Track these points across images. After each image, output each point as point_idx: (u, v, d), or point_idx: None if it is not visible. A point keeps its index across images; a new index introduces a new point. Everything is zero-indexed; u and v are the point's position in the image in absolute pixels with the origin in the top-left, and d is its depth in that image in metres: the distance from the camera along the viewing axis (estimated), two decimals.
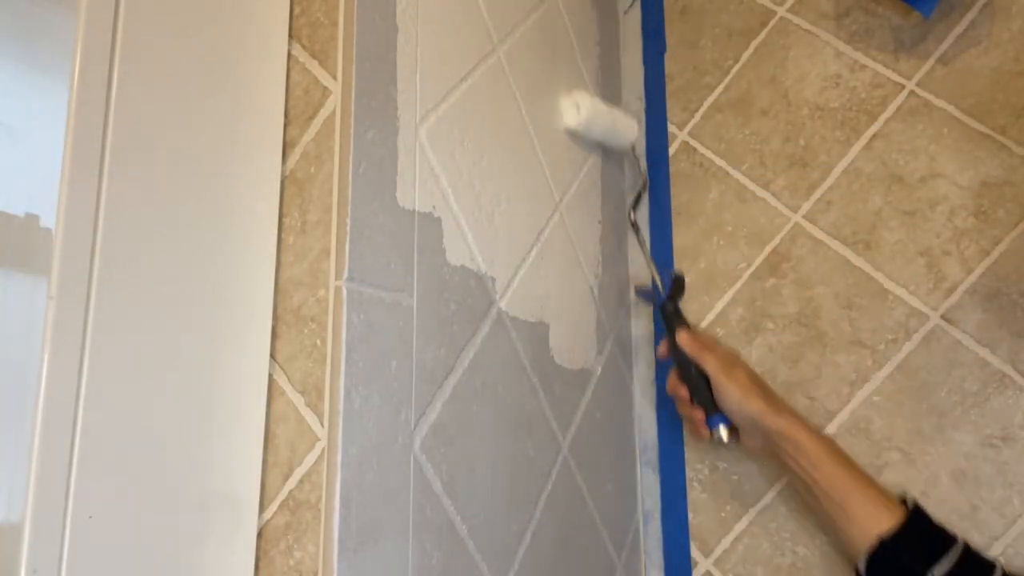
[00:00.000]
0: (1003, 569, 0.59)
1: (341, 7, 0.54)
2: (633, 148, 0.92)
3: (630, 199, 0.91)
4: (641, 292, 0.87)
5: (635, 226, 0.88)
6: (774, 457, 0.71)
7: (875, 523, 0.62)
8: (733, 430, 0.72)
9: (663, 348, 0.79)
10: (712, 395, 0.73)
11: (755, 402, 0.69)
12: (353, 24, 0.53)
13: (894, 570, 0.60)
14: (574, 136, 0.82)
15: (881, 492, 0.64)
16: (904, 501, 0.64)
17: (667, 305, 0.79)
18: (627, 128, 0.87)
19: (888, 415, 0.77)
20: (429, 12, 0.61)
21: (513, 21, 0.74)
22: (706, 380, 0.73)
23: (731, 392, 0.70)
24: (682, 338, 0.76)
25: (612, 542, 0.80)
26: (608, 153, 0.93)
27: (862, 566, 0.62)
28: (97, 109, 0.44)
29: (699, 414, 0.74)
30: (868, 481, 0.65)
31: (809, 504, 0.68)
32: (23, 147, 0.45)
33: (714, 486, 0.85)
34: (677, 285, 0.81)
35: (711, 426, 0.73)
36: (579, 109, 0.80)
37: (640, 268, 0.93)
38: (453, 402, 0.58)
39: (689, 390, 0.75)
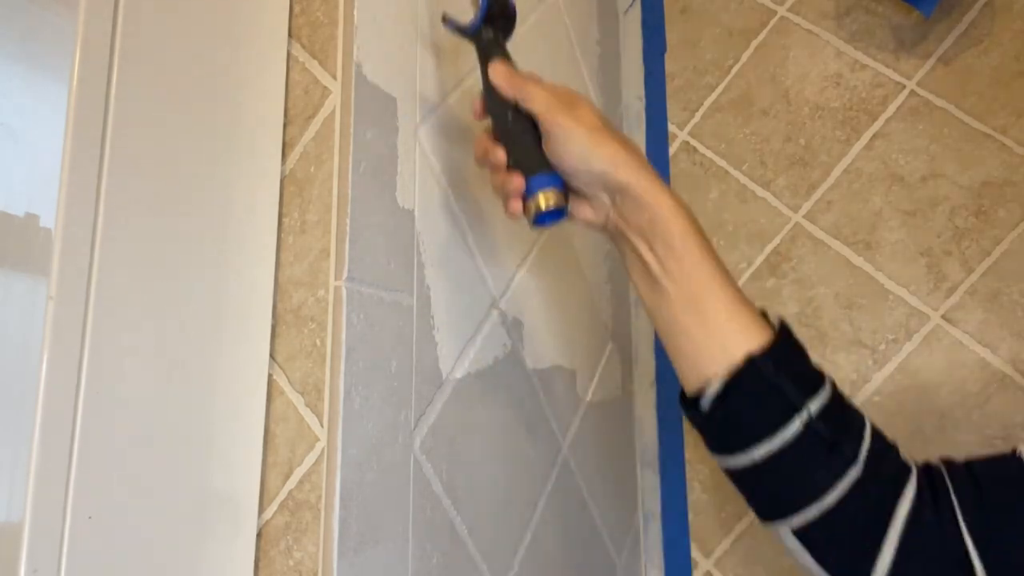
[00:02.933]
0: (869, 419, 0.48)
1: (341, 7, 0.54)
2: None
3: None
4: (451, 23, 0.57)
5: None
6: (616, 233, 0.51)
7: (743, 339, 0.45)
8: (564, 196, 0.50)
9: (478, 103, 0.55)
10: (539, 148, 0.50)
11: (608, 147, 0.48)
12: (353, 24, 0.53)
13: (762, 399, 0.45)
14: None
15: (749, 304, 0.48)
16: (764, 315, 0.49)
17: (482, 32, 0.55)
18: None
19: (889, 415, 0.77)
20: (429, 12, 0.61)
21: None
22: (533, 129, 0.51)
23: (572, 133, 0.48)
24: (496, 71, 0.52)
25: (612, 542, 0.80)
26: None
27: (713, 391, 0.46)
28: (97, 109, 0.44)
29: (518, 182, 0.50)
30: (735, 287, 0.48)
31: (651, 302, 0.49)
32: (23, 147, 0.45)
33: (714, 486, 0.85)
34: (498, 5, 0.55)
35: (531, 191, 0.50)
36: None
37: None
38: (453, 402, 0.58)
39: (507, 148, 0.52)
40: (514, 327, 0.67)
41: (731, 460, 0.47)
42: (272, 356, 0.52)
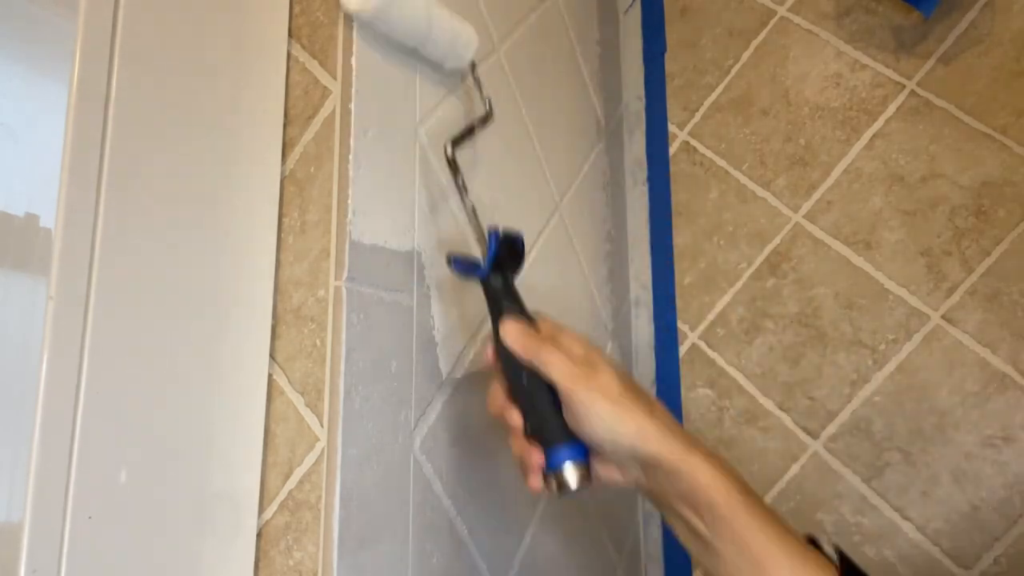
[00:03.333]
0: None
1: (341, 7, 0.54)
2: (472, 68, 0.62)
3: (454, 131, 0.59)
4: (457, 263, 0.53)
5: (452, 164, 0.57)
6: (654, 497, 0.49)
7: None
8: (587, 469, 0.48)
9: (490, 352, 0.52)
10: (560, 417, 0.48)
11: (633, 418, 0.46)
12: (353, 24, 0.53)
13: None
14: (361, 22, 0.53)
15: (803, 546, 0.46)
16: (813, 541, 0.47)
17: (491, 280, 0.52)
18: (456, 33, 0.58)
19: (888, 415, 0.77)
20: None
21: (513, 21, 0.74)
22: (550, 393, 0.48)
23: (596, 408, 0.46)
24: (508, 331, 0.50)
25: (612, 542, 0.80)
26: (612, 150, 0.93)
27: None
28: (97, 109, 0.44)
29: (535, 456, 0.48)
30: (786, 532, 0.46)
31: (706, 564, 0.47)
32: (23, 147, 0.45)
33: None
34: (508, 250, 0.53)
35: (553, 465, 0.47)
36: None
37: (462, 228, 0.63)
38: (453, 402, 0.58)
39: (523, 411, 0.49)
40: None
41: None
42: (272, 356, 0.52)
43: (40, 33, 0.47)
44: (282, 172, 0.55)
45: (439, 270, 0.58)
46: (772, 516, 0.46)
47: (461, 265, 0.53)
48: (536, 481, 0.48)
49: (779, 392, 0.83)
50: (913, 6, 0.78)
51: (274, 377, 0.52)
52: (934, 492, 0.73)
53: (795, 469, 0.81)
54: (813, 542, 0.47)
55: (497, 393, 0.52)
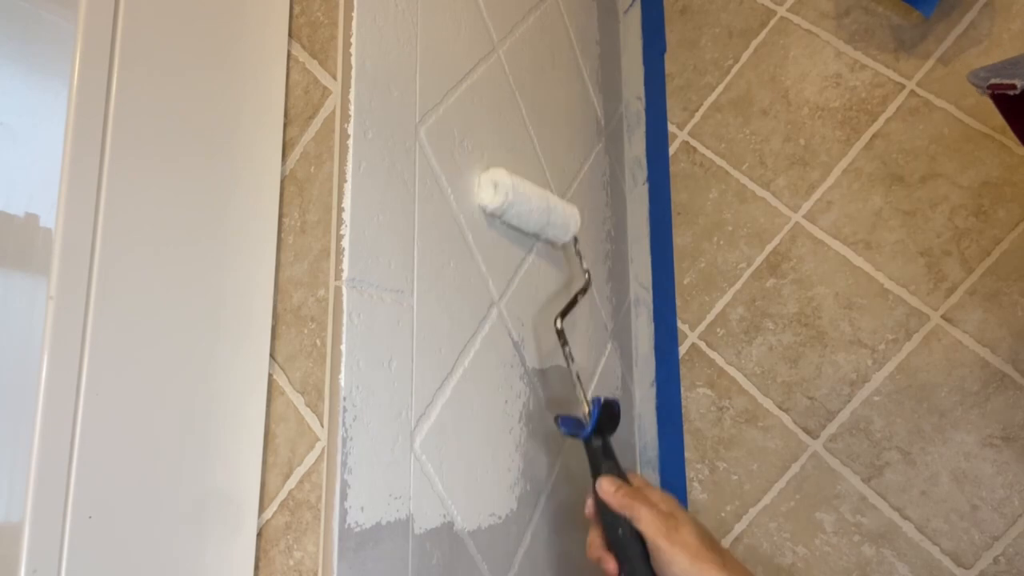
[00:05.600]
0: None
1: (341, 7, 0.54)
2: (575, 242, 0.75)
3: (562, 304, 0.70)
4: (564, 422, 0.62)
5: (561, 335, 0.67)
6: None
7: None
8: None
9: (589, 504, 0.60)
10: (648, 564, 0.55)
11: (709, 570, 0.53)
12: (353, 24, 0.53)
13: None
14: (492, 221, 0.66)
15: None
16: None
17: (592, 440, 0.61)
18: (566, 217, 0.71)
19: (888, 415, 0.77)
20: (429, 11, 0.61)
21: (513, 21, 0.74)
22: (640, 543, 0.55)
23: (677, 559, 0.53)
24: (604, 488, 0.58)
25: None
26: (612, 150, 0.93)
27: None
28: (97, 109, 0.44)
29: None
30: None
31: None
32: (23, 147, 0.45)
33: (714, 486, 0.85)
34: (607, 416, 0.62)
35: None
36: (496, 188, 0.63)
37: (568, 391, 0.73)
38: (453, 402, 0.58)
39: (617, 556, 0.57)
40: (514, 327, 0.67)
41: None
42: (272, 356, 0.52)
43: (40, 33, 0.47)
44: (282, 172, 0.55)
45: (439, 270, 0.58)
46: None
47: (568, 425, 0.63)
48: None
49: (779, 392, 0.83)
50: (913, 6, 0.78)
51: (274, 377, 0.52)
52: (934, 492, 0.73)
53: (795, 469, 0.81)
54: None
55: (595, 541, 0.59)
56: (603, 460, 0.60)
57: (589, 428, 0.61)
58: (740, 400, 0.85)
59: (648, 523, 0.55)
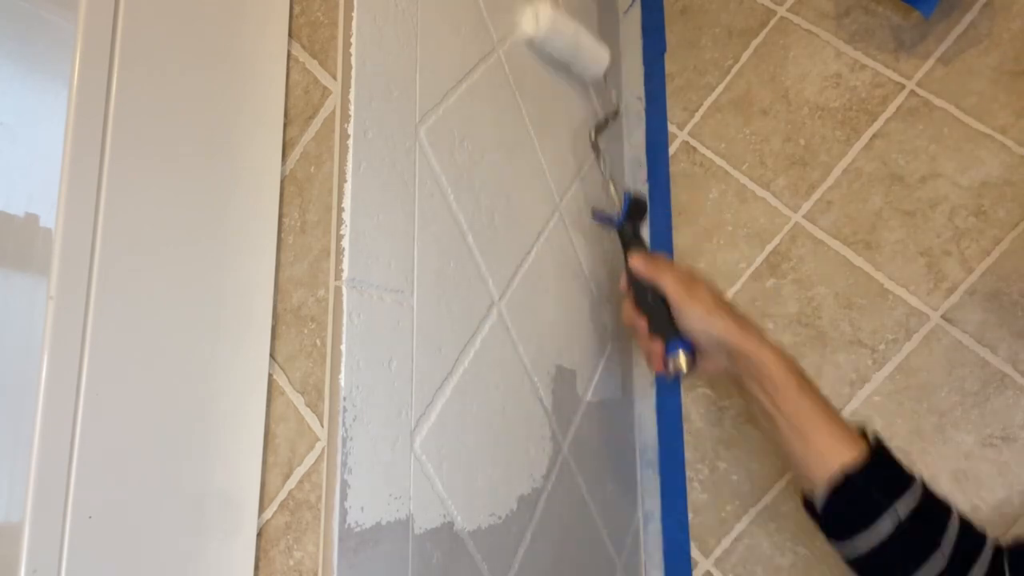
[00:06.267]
0: (957, 512, 0.58)
1: (341, 7, 0.54)
2: (605, 78, 0.87)
3: (593, 122, 0.85)
4: (599, 215, 0.77)
5: (596, 147, 0.81)
6: (734, 379, 0.66)
7: (837, 454, 0.58)
8: (693, 357, 0.66)
9: (623, 279, 0.72)
10: (672, 319, 0.66)
11: (720, 319, 0.64)
12: (353, 24, 0.53)
13: (857, 503, 0.57)
14: (532, 47, 0.75)
15: (844, 424, 0.61)
16: (864, 433, 0.61)
17: (624, 227, 0.73)
18: (596, 53, 0.82)
19: (888, 415, 0.77)
20: (429, 11, 0.61)
21: (513, 21, 0.74)
22: (665, 304, 0.67)
23: (694, 310, 0.64)
24: (635, 260, 0.70)
25: (612, 542, 0.80)
26: (612, 149, 0.93)
27: (821, 497, 0.58)
28: (97, 109, 0.44)
29: (658, 347, 0.67)
30: (832, 412, 0.61)
31: (767, 431, 0.64)
32: (23, 147, 0.45)
33: (714, 486, 0.85)
34: (636, 207, 0.74)
35: (669, 352, 0.66)
36: (538, 18, 0.73)
37: (601, 191, 0.85)
38: (453, 402, 0.58)
39: (647, 318, 0.68)
40: (514, 327, 0.67)
41: (841, 548, 0.59)
42: (272, 356, 0.52)
43: (40, 33, 0.47)
44: (282, 172, 0.55)
45: (439, 270, 0.58)
46: (821, 399, 0.61)
47: (601, 217, 0.77)
48: (659, 366, 0.68)
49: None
50: (913, 6, 0.78)
51: (274, 377, 0.52)
52: None
53: None
54: (863, 432, 0.61)
55: (628, 308, 0.71)
56: (633, 243, 0.72)
57: (621, 217, 0.73)
58: (740, 400, 0.85)
59: (671, 285, 0.66)
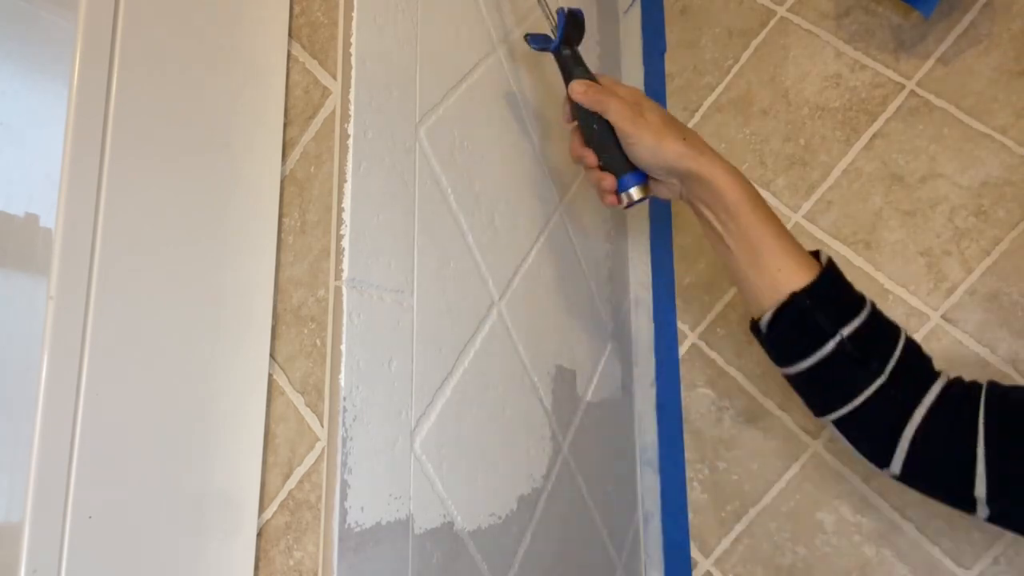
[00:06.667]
0: (907, 335, 0.57)
1: (341, 7, 0.54)
2: None
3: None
4: (533, 39, 0.66)
5: None
6: (689, 204, 0.63)
7: (786, 277, 0.57)
8: (646, 186, 0.62)
9: (566, 108, 0.65)
10: (621, 150, 0.61)
11: (671, 144, 0.59)
12: (353, 24, 0.53)
13: (801, 326, 0.57)
14: None
15: (797, 247, 0.59)
16: (818, 256, 0.59)
17: (562, 50, 0.65)
18: None
19: None
20: (429, 11, 0.61)
21: (513, 21, 0.74)
22: (613, 134, 0.61)
23: (643, 139, 0.59)
24: (575, 89, 0.62)
25: (612, 542, 0.80)
26: None
27: (765, 321, 0.58)
28: (97, 109, 0.44)
29: (609, 181, 0.62)
30: (786, 235, 0.59)
31: (721, 255, 0.62)
32: (23, 147, 0.45)
33: (714, 486, 0.85)
34: (573, 25, 0.65)
35: (621, 189, 0.62)
36: None
37: (532, 7, 0.73)
38: (453, 402, 0.58)
39: (595, 150, 0.63)
40: (514, 327, 0.67)
41: (786, 370, 0.60)
42: (272, 356, 0.52)
43: (40, 33, 0.47)
44: (282, 172, 0.55)
45: (439, 270, 0.58)
46: (773, 218, 0.59)
47: (536, 41, 0.66)
48: (612, 200, 0.63)
49: (779, 392, 0.83)
50: (913, 6, 0.78)
51: (274, 377, 0.52)
52: None
53: (795, 469, 0.81)
54: (816, 254, 0.60)
55: (575, 142, 0.65)
56: (574, 67, 0.64)
57: (557, 40, 0.64)
58: (740, 400, 0.85)
59: (616, 112, 0.60)
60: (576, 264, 0.80)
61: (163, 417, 0.46)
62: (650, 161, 0.60)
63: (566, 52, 0.65)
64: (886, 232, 0.80)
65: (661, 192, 0.64)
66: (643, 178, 0.62)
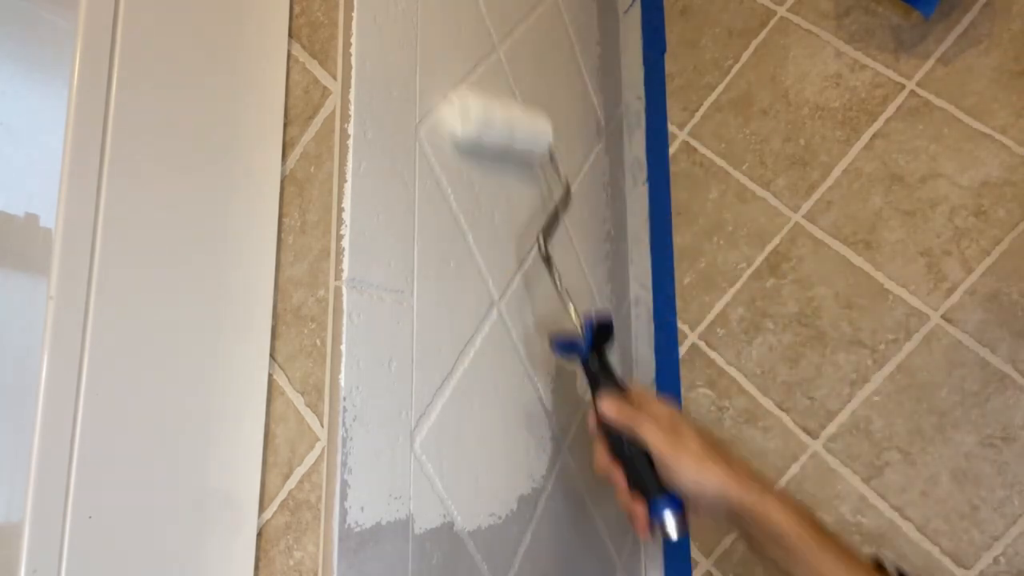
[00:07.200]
0: None
1: (341, 7, 0.54)
2: (551, 154, 0.69)
3: (542, 221, 0.67)
4: (558, 343, 0.63)
5: (547, 258, 0.64)
6: (736, 528, 0.58)
7: None
8: (683, 517, 0.56)
9: (592, 419, 0.61)
10: (655, 473, 0.56)
11: (714, 471, 0.55)
12: (353, 24, 0.53)
13: None
14: (464, 149, 0.60)
15: (866, 566, 0.54)
16: (879, 563, 0.56)
17: (591, 361, 0.61)
18: (536, 131, 0.66)
19: (888, 415, 0.77)
20: (429, 11, 0.61)
21: (513, 20, 0.74)
22: (646, 455, 0.56)
23: (683, 466, 0.55)
24: (606, 405, 0.58)
25: (612, 542, 0.80)
26: (612, 150, 0.93)
27: None
28: (97, 109, 0.44)
29: (640, 507, 0.57)
30: (849, 555, 0.54)
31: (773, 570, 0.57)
32: (23, 147, 0.45)
33: None
34: (601, 332, 0.61)
35: (654, 515, 0.56)
36: (468, 113, 0.58)
37: (557, 309, 0.67)
38: (453, 402, 0.58)
39: (625, 471, 0.58)
40: (514, 327, 0.67)
41: None
42: (272, 356, 0.52)
43: (40, 33, 0.47)
44: (282, 172, 0.55)
45: (439, 270, 0.58)
46: (837, 544, 0.54)
47: (562, 348, 0.62)
48: (644, 530, 0.57)
49: (779, 392, 0.83)
50: (913, 6, 0.78)
51: (274, 377, 0.52)
52: (934, 492, 0.73)
53: (795, 469, 0.81)
54: (879, 564, 0.55)
55: (601, 455, 0.60)
56: (602, 378, 0.60)
57: (585, 350, 0.61)
58: (740, 400, 0.85)
59: (652, 436, 0.56)
60: (577, 264, 0.80)
61: (163, 417, 0.46)
62: (692, 490, 0.55)
63: (594, 363, 0.61)
64: (886, 232, 0.80)
65: (704, 514, 0.57)
66: (678, 504, 0.56)
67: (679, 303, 0.91)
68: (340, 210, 0.50)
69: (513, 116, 0.63)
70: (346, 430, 0.47)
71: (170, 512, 0.46)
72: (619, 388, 0.60)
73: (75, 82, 0.43)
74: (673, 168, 0.95)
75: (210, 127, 0.51)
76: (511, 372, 0.66)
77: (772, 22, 0.91)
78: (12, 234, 0.44)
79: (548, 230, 0.66)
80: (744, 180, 0.89)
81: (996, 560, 0.70)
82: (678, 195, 0.94)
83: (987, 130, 0.76)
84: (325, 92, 0.54)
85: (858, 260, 0.81)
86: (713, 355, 0.88)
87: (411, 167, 0.56)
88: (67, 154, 0.42)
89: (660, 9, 1.00)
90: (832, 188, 0.84)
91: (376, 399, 0.50)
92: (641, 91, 0.99)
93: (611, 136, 0.94)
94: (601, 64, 0.93)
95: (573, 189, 0.81)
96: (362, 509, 0.48)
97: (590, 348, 0.61)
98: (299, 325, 0.51)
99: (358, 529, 0.47)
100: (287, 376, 0.51)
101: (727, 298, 0.88)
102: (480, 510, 0.60)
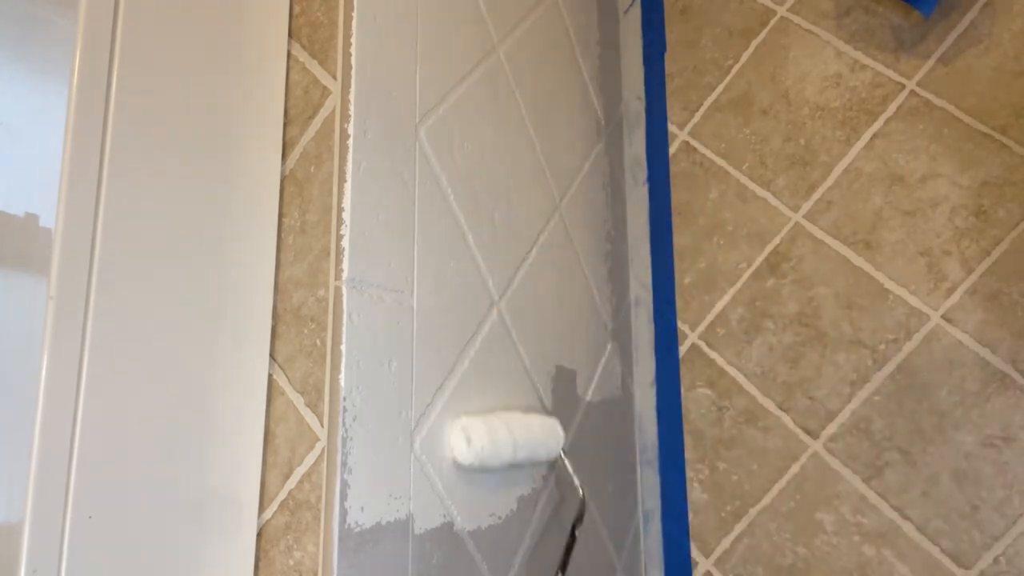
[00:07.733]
0: None
1: (341, 7, 0.54)
2: (562, 456, 0.67)
3: (564, 546, 0.66)
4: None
5: (567, 555, 0.65)
6: None
7: None
8: None
9: None
10: None
11: None
12: (353, 24, 0.53)
13: None
14: (466, 471, 0.59)
15: None
16: None
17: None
18: (548, 436, 0.65)
19: (888, 415, 0.77)
20: (429, 12, 0.61)
21: (513, 20, 0.74)
22: None
23: None
24: None
25: (612, 542, 0.80)
26: (612, 150, 0.93)
27: None
28: (97, 109, 0.44)
29: None
30: None
31: None
32: (23, 147, 0.45)
33: (714, 486, 0.85)
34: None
35: None
36: (470, 442, 0.57)
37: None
38: (453, 402, 0.58)
39: None
40: (514, 327, 0.67)
41: None
42: (272, 356, 0.52)
43: (40, 33, 0.47)
44: (282, 172, 0.55)
45: (439, 270, 0.58)
46: None
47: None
48: None
49: (779, 392, 0.83)
50: (913, 6, 0.78)
51: (274, 377, 0.52)
52: (934, 492, 0.73)
53: (795, 469, 0.81)
54: None
55: None
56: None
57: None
58: (740, 400, 0.85)
59: None
60: (576, 264, 0.80)
61: (163, 417, 0.46)
62: None
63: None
64: (886, 232, 0.80)
65: None
66: None
67: (679, 303, 0.92)
68: (340, 210, 0.50)
69: (519, 437, 0.61)
70: (346, 430, 0.47)
71: (170, 512, 0.46)
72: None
73: (75, 82, 0.43)
74: (673, 168, 0.95)
75: (210, 127, 0.51)
76: (511, 372, 0.66)
77: (772, 22, 0.91)
78: (12, 234, 0.44)
79: (565, 563, 0.65)
80: (744, 180, 0.89)
81: (996, 560, 0.70)
82: (678, 195, 0.94)
83: (987, 130, 0.76)
84: (325, 92, 0.54)
85: (858, 260, 0.81)
86: (713, 355, 0.88)
87: (411, 167, 0.56)
88: (67, 154, 0.42)
89: (660, 9, 1.00)
90: (832, 188, 0.84)
91: (376, 399, 0.50)
92: (641, 91, 0.99)
93: (611, 136, 0.94)
94: (601, 64, 0.93)
95: (573, 188, 0.81)
96: (362, 509, 0.48)
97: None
98: (299, 325, 0.51)
99: (358, 529, 0.47)
100: (287, 376, 0.51)
101: (727, 298, 0.88)
102: (480, 510, 0.60)
